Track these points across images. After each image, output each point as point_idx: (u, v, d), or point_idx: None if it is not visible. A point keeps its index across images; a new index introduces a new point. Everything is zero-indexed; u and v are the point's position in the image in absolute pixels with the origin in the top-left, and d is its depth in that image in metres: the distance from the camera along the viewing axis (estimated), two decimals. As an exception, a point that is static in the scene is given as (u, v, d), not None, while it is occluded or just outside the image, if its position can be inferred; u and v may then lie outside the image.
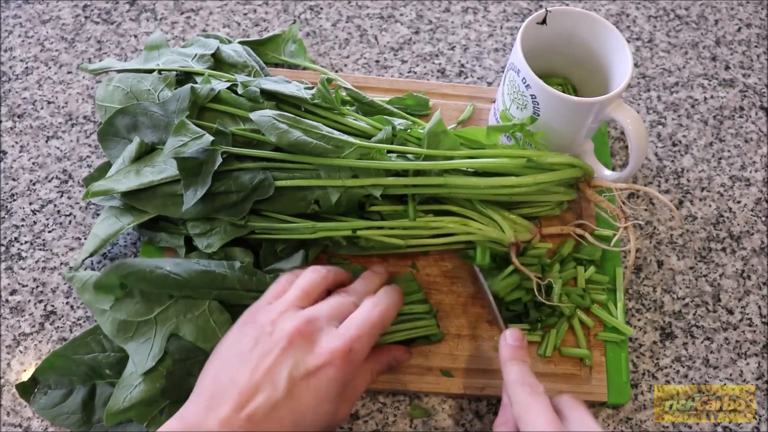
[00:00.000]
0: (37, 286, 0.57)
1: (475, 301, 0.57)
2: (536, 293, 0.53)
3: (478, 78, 0.71)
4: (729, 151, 0.69)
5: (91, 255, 0.54)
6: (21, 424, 0.52)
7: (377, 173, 0.53)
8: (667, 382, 0.57)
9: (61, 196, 0.61)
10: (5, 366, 0.54)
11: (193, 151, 0.50)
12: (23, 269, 0.58)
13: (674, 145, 0.68)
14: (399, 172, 0.54)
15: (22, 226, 0.59)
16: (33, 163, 0.62)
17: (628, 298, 0.60)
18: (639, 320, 0.59)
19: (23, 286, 0.57)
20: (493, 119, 0.63)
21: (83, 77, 0.67)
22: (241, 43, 0.64)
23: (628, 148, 0.56)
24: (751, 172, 0.68)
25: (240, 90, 0.54)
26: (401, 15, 0.74)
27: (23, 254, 0.58)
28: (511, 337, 0.48)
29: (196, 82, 0.55)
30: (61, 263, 0.58)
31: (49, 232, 0.59)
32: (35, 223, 0.60)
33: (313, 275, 0.48)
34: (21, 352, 0.55)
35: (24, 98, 0.66)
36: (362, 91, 0.60)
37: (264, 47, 0.67)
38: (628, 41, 0.70)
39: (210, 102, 0.54)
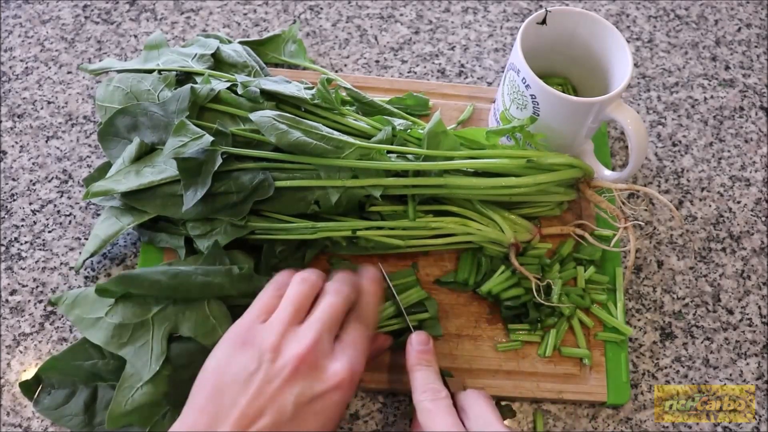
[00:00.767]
0: (37, 286, 0.57)
1: (475, 301, 0.57)
2: (535, 294, 0.53)
3: (478, 78, 0.71)
4: (729, 151, 0.69)
5: (92, 255, 0.54)
6: (21, 424, 0.52)
7: (377, 174, 0.53)
8: (667, 382, 0.57)
9: (61, 196, 0.61)
10: (5, 366, 0.54)
11: (193, 151, 0.50)
12: (23, 269, 0.58)
13: (674, 145, 0.68)
14: (399, 172, 0.54)
15: (22, 226, 0.59)
16: (33, 163, 0.62)
17: (628, 298, 0.60)
18: (639, 320, 0.59)
19: (23, 286, 0.57)
20: (493, 119, 0.63)
21: (83, 77, 0.67)
22: (241, 43, 0.64)
23: (628, 148, 0.56)
24: (751, 172, 0.68)
25: (240, 90, 0.54)
26: (401, 15, 0.74)
27: (23, 254, 0.58)
28: (416, 341, 0.49)
29: (196, 82, 0.55)
30: (61, 263, 0.58)
31: (49, 232, 0.59)
32: (35, 223, 0.60)
33: (302, 287, 0.47)
34: (21, 352, 0.55)
35: (24, 98, 0.66)
36: (362, 91, 0.60)
37: (264, 47, 0.67)
38: (628, 41, 0.70)
39: (210, 102, 0.54)
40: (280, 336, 0.44)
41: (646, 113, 0.70)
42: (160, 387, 0.48)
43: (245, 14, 0.72)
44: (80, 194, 0.61)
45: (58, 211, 0.60)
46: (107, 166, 0.56)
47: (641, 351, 0.58)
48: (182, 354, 0.48)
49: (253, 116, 0.51)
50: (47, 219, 0.60)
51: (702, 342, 0.59)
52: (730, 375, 0.58)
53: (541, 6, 0.76)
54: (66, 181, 0.62)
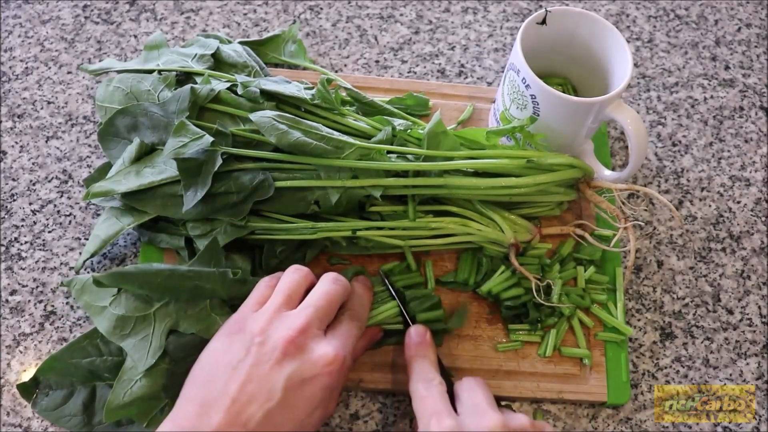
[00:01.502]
0: (37, 286, 0.57)
1: (474, 301, 0.57)
2: (535, 294, 0.53)
3: (478, 78, 0.71)
4: (729, 151, 0.69)
5: (92, 256, 0.54)
6: (21, 424, 0.52)
7: (377, 174, 0.53)
8: (667, 382, 0.57)
9: (61, 196, 0.61)
10: (5, 366, 0.54)
11: (193, 151, 0.50)
12: (23, 269, 0.58)
13: (674, 145, 0.68)
14: (399, 172, 0.54)
15: (22, 226, 0.59)
16: (33, 163, 0.62)
17: (628, 298, 0.60)
18: (639, 320, 0.59)
19: (23, 286, 0.57)
20: (493, 119, 0.63)
21: (83, 77, 0.67)
22: (241, 43, 0.64)
23: (628, 148, 0.56)
24: (751, 172, 0.68)
25: (240, 90, 0.54)
26: (401, 15, 0.74)
27: (23, 254, 0.58)
28: (414, 333, 0.50)
29: (196, 83, 0.55)
30: (61, 263, 0.58)
31: (49, 232, 0.59)
32: (35, 223, 0.60)
33: (295, 275, 0.48)
34: (21, 352, 0.55)
35: (24, 98, 0.66)
36: (362, 91, 0.60)
37: (264, 47, 0.67)
38: (628, 41, 0.70)
39: (210, 102, 0.54)
40: (269, 321, 0.44)
41: (646, 113, 0.70)
42: (159, 380, 0.48)
43: (245, 14, 0.72)
44: (80, 194, 0.61)
45: (58, 211, 0.60)
46: (107, 166, 0.56)
47: (641, 351, 0.58)
48: (181, 347, 0.48)
49: (253, 116, 0.51)
50: (47, 219, 0.60)
51: (702, 342, 0.59)
52: (730, 375, 0.58)
53: (541, 6, 0.76)
54: (66, 181, 0.62)
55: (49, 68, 0.68)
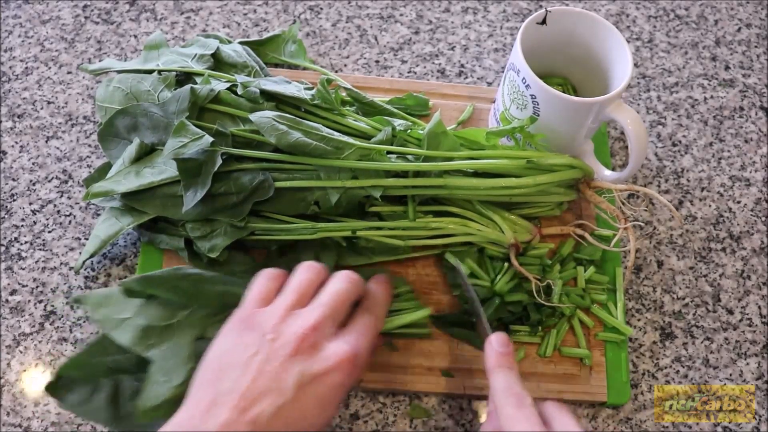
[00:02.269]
0: (37, 286, 0.57)
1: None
2: (535, 295, 0.53)
3: (478, 78, 0.71)
4: (729, 151, 0.69)
5: (92, 256, 0.54)
6: (21, 424, 0.52)
7: (377, 174, 0.53)
8: (667, 382, 0.57)
9: (61, 196, 0.61)
10: (5, 366, 0.54)
11: (193, 152, 0.50)
12: (23, 269, 0.58)
13: (674, 145, 0.68)
14: (399, 173, 0.54)
15: (22, 226, 0.59)
16: (33, 163, 0.62)
17: (628, 298, 0.60)
18: (639, 320, 0.59)
19: (23, 286, 0.57)
20: (493, 119, 0.63)
21: (83, 77, 0.67)
22: (241, 43, 0.64)
23: (628, 148, 0.56)
24: (751, 172, 0.68)
25: (240, 90, 0.54)
26: (401, 15, 0.74)
27: (23, 254, 0.58)
28: (497, 342, 0.47)
29: (196, 83, 0.55)
30: (61, 263, 0.58)
31: (49, 232, 0.59)
32: (35, 223, 0.60)
33: (308, 274, 0.47)
34: (21, 352, 0.55)
35: (24, 98, 0.66)
36: (362, 91, 0.60)
37: (264, 47, 0.67)
38: (628, 41, 0.70)
39: (210, 103, 0.53)
40: (282, 318, 0.43)
41: (646, 113, 0.70)
42: (187, 382, 0.47)
43: (245, 14, 0.72)
44: (80, 194, 0.61)
45: (58, 211, 0.60)
46: (107, 166, 0.56)
47: (641, 351, 0.58)
48: (207, 347, 0.48)
49: (252, 117, 0.51)
50: (47, 219, 0.60)
51: (702, 342, 0.59)
52: (730, 375, 0.58)
53: (541, 6, 0.76)
54: (66, 181, 0.62)
55: (49, 68, 0.68)
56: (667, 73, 0.73)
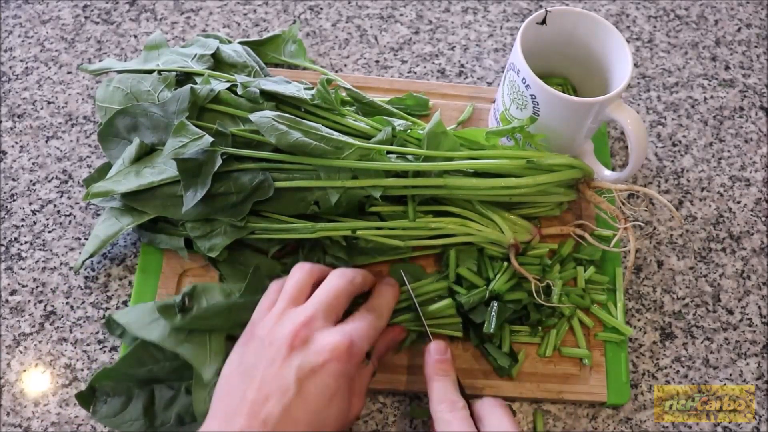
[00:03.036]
0: (37, 286, 0.57)
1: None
2: (535, 295, 0.53)
3: (478, 78, 0.71)
4: (729, 151, 0.69)
5: (92, 256, 0.54)
6: (21, 424, 0.52)
7: (377, 174, 0.53)
8: (667, 382, 0.57)
9: (61, 196, 0.61)
10: (5, 366, 0.54)
11: (193, 152, 0.50)
12: (23, 269, 0.58)
13: (674, 145, 0.68)
14: (399, 172, 0.54)
15: (22, 226, 0.59)
16: (33, 163, 0.62)
17: (628, 298, 0.60)
18: (639, 320, 0.59)
19: (23, 286, 0.57)
20: (493, 119, 0.63)
21: (83, 77, 0.67)
22: (241, 43, 0.64)
23: (628, 148, 0.56)
24: (751, 172, 0.68)
25: (240, 90, 0.54)
26: (401, 15, 0.74)
27: (23, 254, 0.58)
28: (435, 350, 0.49)
29: (196, 83, 0.55)
30: (61, 263, 0.58)
31: (49, 232, 0.59)
32: (35, 223, 0.60)
33: (300, 274, 0.48)
34: (21, 352, 0.55)
35: (24, 98, 0.66)
36: (362, 91, 0.60)
37: (264, 47, 0.67)
38: (628, 41, 0.70)
39: (210, 103, 0.53)
40: (275, 322, 0.45)
41: (646, 113, 0.70)
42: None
43: (245, 14, 0.72)
44: (80, 194, 0.61)
45: (58, 212, 0.60)
46: (107, 166, 0.56)
47: (641, 351, 0.58)
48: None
49: (252, 117, 0.51)
50: (47, 219, 0.60)
51: (702, 342, 0.59)
52: (730, 375, 0.58)
53: (541, 6, 0.76)
54: (66, 181, 0.62)
55: (49, 68, 0.68)
56: (667, 73, 0.73)
